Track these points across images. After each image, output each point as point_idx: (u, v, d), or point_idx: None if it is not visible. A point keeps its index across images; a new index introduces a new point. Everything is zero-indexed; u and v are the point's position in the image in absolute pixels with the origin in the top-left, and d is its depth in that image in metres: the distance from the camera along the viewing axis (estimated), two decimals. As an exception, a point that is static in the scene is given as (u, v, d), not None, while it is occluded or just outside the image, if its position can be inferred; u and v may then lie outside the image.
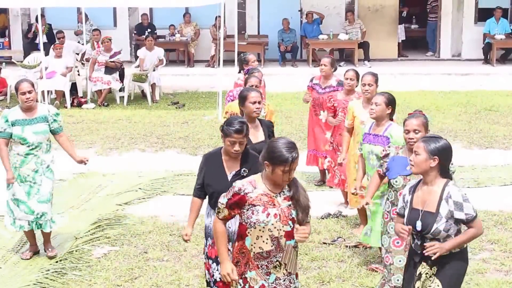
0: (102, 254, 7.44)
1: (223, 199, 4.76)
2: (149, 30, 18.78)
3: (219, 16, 15.20)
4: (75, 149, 7.39)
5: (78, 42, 17.88)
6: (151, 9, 20.44)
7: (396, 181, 5.92)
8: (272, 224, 4.63)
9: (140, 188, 9.55)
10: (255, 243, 4.69)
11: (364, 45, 19.78)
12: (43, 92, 14.24)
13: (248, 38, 19.76)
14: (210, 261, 5.60)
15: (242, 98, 6.50)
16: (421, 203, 4.87)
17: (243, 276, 4.76)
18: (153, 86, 15.56)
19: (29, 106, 7.04)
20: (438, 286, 4.83)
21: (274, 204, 4.64)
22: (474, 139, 12.00)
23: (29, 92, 6.99)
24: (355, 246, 7.52)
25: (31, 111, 7.08)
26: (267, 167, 4.61)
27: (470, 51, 20.38)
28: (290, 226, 4.68)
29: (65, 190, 9.30)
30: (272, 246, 4.67)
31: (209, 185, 5.47)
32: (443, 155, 4.84)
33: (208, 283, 5.71)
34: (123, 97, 15.35)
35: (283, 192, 4.70)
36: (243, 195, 4.66)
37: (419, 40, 21.87)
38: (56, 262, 7.21)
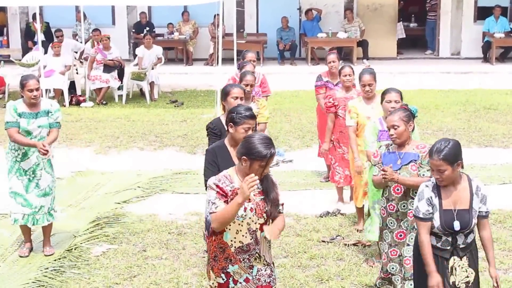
0: (101, 252, 7.42)
1: (212, 195, 4.68)
2: (147, 28, 18.76)
3: (218, 15, 15.20)
4: (53, 140, 7.20)
5: (76, 40, 17.87)
6: (149, 8, 20.43)
7: None
8: (250, 218, 4.71)
9: (138, 187, 9.54)
10: (235, 238, 4.74)
11: (363, 44, 19.78)
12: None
13: (247, 36, 19.76)
14: None
15: (225, 94, 6.45)
16: (453, 203, 4.93)
17: (225, 270, 4.78)
18: (151, 84, 15.55)
19: (35, 103, 7.09)
20: (472, 273, 5.01)
21: (249, 199, 4.68)
22: (473, 137, 12.00)
23: (37, 89, 7.05)
24: (354, 244, 7.51)
25: (35, 106, 7.12)
26: (244, 162, 4.66)
27: (469, 50, 20.38)
28: (264, 219, 4.77)
29: (63, 189, 9.28)
30: (251, 239, 4.74)
31: None
32: (461, 154, 4.92)
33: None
34: (121, 95, 15.34)
35: (256, 186, 4.73)
36: (222, 188, 4.69)
37: (418, 38, 21.86)
38: (55, 260, 7.20)
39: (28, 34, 19.62)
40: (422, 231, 4.99)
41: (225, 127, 6.00)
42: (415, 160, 5.83)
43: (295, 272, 6.83)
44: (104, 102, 15.11)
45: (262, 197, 4.77)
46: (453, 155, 4.83)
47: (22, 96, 7.14)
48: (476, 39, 20.22)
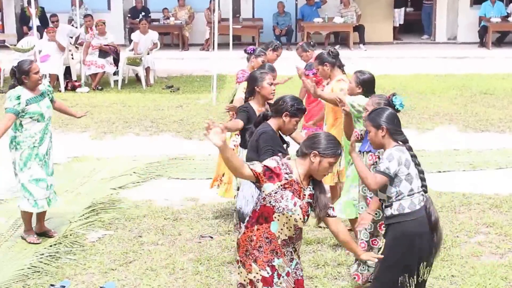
0: (97, 238, 7.41)
1: (271, 162, 4.55)
2: (143, 13, 18.69)
3: (214, 0, 15.12)
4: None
5: (72, 25, 17.78)
6: (145, -7, 20.34)
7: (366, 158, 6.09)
8: (298, 215, 4.59)
9: (134, 172, 9.52)
10: (282, 230, 4.62)
11: (359, 29, 19.73)
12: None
13: (243, 21, 19.69)
14: None
15: (260, 79, 6.41)
16: None
17: (270, 263, 4.63)
18: (147, 69, 15.49)
19: (39, 85, 7.11)
20: (383, 242, 5.16)
21: (300, 196, 4.60)
22: (469, 122, 11.99)
23: (39, 71, 7.12)
24: (350, 230, 7.50)
25: (36, 88, 7.12)
26: (313, 157, 4.54)
27: (466, 34, 20.34)
28: (305, 221, 4.67)
29: (59, 174, 9.23)
30: (294, 234, 4.66)
31: None
32: (387, 123, 5.04)
33: None
34: (117, 80, 15.29)
35: (309, 188, 4.66)
36: (280, 173, 4.55)
37: (415, 23, 21.80)
38: (51, 246, 7.18)
39: (23, 19, 19.52)
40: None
41: (256, 112, 6.20)
42: (373, 152, 5.94)
43: (291, 257, 6.82)
44: (100, 87, 15.05)
45: (310, 200, 4.64)
46: (378, 120, 5.03)
47: (20, 83, 7.05)
48: (472, 23, 20.17)
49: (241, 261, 4.68)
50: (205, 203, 8.33)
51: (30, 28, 17.84)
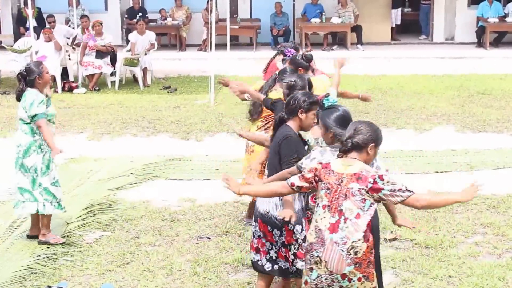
0: (94, 239, 7.40)
1: (398, 180, 4.58)
2: (140, 14, 18.66)
3: (211, 0, 15.10)
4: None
5: (69, 26, 17.77)
6: (142, -7, 20.32)
7: None
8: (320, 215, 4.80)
9: (132, 173, 9.50)
10: None
11: (357, 29, 19.72)
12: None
13: (240, 21, 19.69)
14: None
15: (310, 86, 6.33)
16: None
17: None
18: (144, 70, 15.48)
19: (48, 84, 7.17)
20: None
21: None
22: (467, 122, 11.98)
23: (48, 71, 7.18)
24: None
25: (43, 91, 7.13)
26: (370, 150, 4.60)
27: (464, 35, 20.35)
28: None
29: (56, 175, 9.24)
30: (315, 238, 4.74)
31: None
32: (335, 126, 5.07)
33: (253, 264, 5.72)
34: (114, 81, 15.27)
35: None
36: None
37: (412, 23, 21.81)
38: (48, 247, 7.16)
39: (19, 20, 19.50)
40: None
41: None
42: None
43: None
44: (97, 88, 15.03)
45: None
46: (327, 121, 5.11)
47: (31, 86, 7.01)
48: (470, 24, 20.18)
49: (364, 275, 4.51)
50: (202, 204, 8.32)
51: (26, 29, 17.82)
